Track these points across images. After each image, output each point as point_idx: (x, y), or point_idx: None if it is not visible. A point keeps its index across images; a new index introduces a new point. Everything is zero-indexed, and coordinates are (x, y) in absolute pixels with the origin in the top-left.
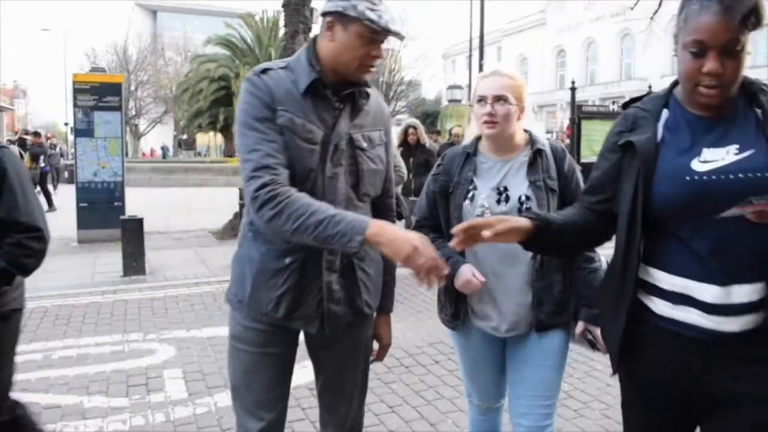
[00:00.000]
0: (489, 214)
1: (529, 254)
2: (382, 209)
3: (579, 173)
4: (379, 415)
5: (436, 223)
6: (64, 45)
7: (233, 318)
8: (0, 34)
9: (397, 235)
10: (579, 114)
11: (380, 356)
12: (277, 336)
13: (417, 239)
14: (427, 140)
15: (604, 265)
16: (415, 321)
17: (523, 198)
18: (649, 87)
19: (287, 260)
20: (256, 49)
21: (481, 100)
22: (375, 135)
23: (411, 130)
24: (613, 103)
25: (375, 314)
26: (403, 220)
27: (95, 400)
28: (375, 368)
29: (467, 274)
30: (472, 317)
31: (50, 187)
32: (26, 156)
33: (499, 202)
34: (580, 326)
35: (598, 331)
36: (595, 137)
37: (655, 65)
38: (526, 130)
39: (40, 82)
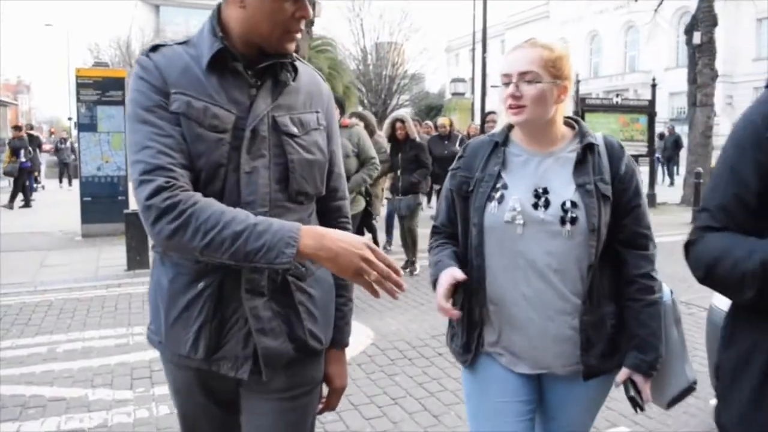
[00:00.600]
0: (521, 221)
1: (579, 273)
2: (330, 214)
3: (639, 177)
4: (382, 407)
5: (456, 230)
6: (67, 40)
7: (162, 361)
8: (3, 30)
9: (340, 245)
10: (582, 107)
11: (331, 403)
12: (216, 382)
13: (366, 247)
14: (416, 135)
15: (667, 297)
16: (417, 313)
17: (568, 205)
18: (653, 79)
19: (200, 285)
20: None
21: (505, 78)
22: (309, 118)
23: (399, 124)
24: (617, 95)
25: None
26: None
27: (100, 393)
28: (378, 360)
29: (439, 298)
30: (485, 353)
31: (67, 180)
32: (7, 150)
33: (536, 207)
34: (623, 374)
35: (647, 386)
36: (599, 130)
37: (660, 57)
38: (573, 119)
39: (43, 78)
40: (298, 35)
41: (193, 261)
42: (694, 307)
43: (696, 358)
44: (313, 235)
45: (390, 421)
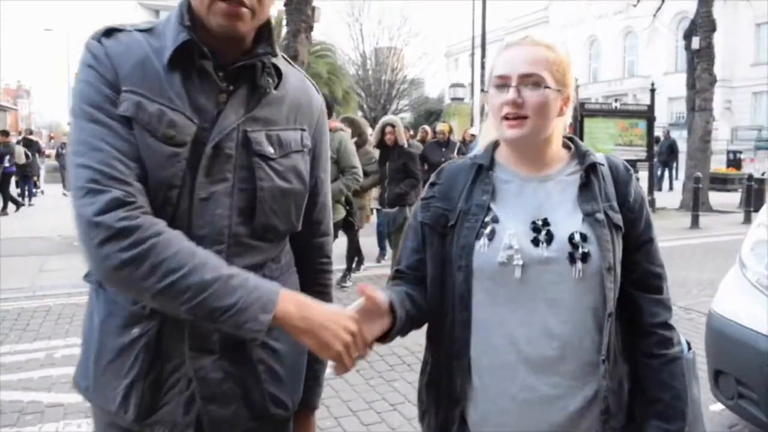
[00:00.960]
0: (519, 262)
1: (595, 324)
2: (311, 253)
3: (647, 205)
4: (381, 413)
5: (425, 275)
6: (66, 44)
7: (93, 412)
8: (3, 35)
9: (326, 315)
10: (582, 111)
11: None
12: None
13: (354, 325)
14: (405, 142)
15: (687, 350)
16: None
17: (577, 238)
18: (652, 84)
19: (134, 332)
20: None
21: (501, 81)
22: (290, 137)
23: (389, 129)
24: (616, 100)
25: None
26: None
27: None
28: (377, 366)
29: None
30: None
31: (65, 184)
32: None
33: (537, 243)
34: None
35: None
36: (598, 135)
37: (659, 62)
38: (567, 137)
39: (43, 82)
40: (243, 10)
41: (130, 301)
42: (693, 312)
43: (696, 363)
44: (294, 301)
45: (389, 426)
